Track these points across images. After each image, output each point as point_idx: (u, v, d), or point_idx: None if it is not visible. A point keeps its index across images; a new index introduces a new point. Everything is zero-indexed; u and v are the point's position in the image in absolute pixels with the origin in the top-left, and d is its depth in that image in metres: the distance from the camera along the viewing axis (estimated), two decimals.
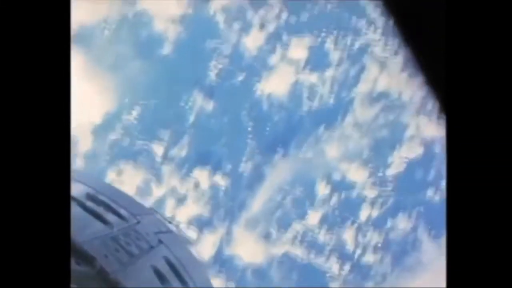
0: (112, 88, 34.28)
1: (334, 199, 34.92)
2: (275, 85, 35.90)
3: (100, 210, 7.59)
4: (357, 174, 35.10)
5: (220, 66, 35.59)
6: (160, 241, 8.48)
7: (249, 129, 35.62)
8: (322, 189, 35.31)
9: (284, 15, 35.78)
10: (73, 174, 4.38)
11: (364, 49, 35.31)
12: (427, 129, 34.39)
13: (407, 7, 3.18)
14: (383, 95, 35.29)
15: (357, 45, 35.29)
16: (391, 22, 3.26)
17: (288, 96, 35.79)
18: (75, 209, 6.83)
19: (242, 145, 35.51)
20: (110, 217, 7.65)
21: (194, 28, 35.81)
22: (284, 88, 35.80)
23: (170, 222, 10.00)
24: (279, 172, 35.72)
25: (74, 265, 5.58)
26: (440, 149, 33.95)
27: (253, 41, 35.84)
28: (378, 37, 34.85)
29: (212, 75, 35.50)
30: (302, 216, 35.05)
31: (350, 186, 35.25)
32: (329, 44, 35.35)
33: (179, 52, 35.39)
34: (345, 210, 35.20)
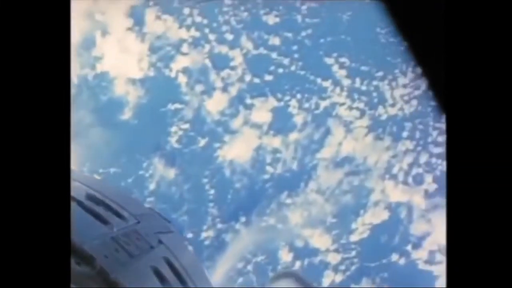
0: (71, 156, 33.72)
1: (297, 266, 34.70)
2: (237, 150, 36.00)
3: (100, 210, 7.58)
4: (320, 241, 34.95)
5: (181, 132, 35.61)
6: (160, 241, 8.47)
7: (211, 196, 35.39)
8: (285, 256, 35.17)
9: (248, 77, 36.14)
10: (73, 174, 4.14)
11: (329, 112, 35.65)
12: (392, 194, 34.73)
13: (407, 7, 3.17)
14: (347, 160, 35.51)
15: (321, 107, 35.63)
16: (391, 23, 3.21)
17: (250, 161, 35.94)
18: (75, 209, 6.85)
19: (204, 213, 35.24)
20: (110, 217, 7.64)
21: (155, 91, 35.97)
22: (246, 153, 35.95)
23: (169, 222, 9.88)
24: (242, 240, 35.58)
25: (74, 265, 5.54)
26: (405, 214, 34.36)
27: (215, 104, 36.02)
28: (343, 99, 35.48)
29: (173, 141, 35.67)
30: (265, 283, 34.56)
31: (313, 252, 35.04)
32: (293, 107, 35.68)
33: (139, 117, 35.57)
34: (308, 277, 34.87)
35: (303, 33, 36.55)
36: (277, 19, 37.08)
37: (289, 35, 36.71)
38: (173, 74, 36.43)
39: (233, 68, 36.52)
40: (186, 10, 37.02)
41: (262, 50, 36.87)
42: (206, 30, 36.87)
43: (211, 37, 36.81)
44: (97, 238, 6.53)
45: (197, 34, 36.85)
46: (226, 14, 37.07)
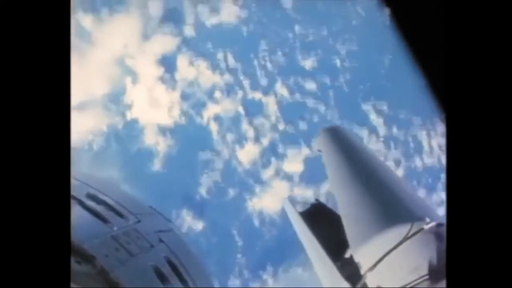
0: None
1: None
2: (267, 201, 35.56)
3: (100, 209, 7.38)
4: None
5: (211, 182, 35.43)
6: (161, 240, 8.23)
7: (239, 247, 35.05)
8: None
9: (281, 125, 35.98)
10: (73, 174, 4.26)
11: None
12: None
13: (407, 7, 3.28)
14: None
15: None
16: (391, 23, 3.33)
17: (280, 212, 35.40)
18: (75, 209, 6.65)
19: (231, 263, 34.79)
20: (110, 216, 7.42)
21: (186, 139, 35.82)
22: (277, 204, 35.46)
23: (170, 221, 9.79)
24: None
25: (74, 265, 5.36)
26: None
27: (246, 154, 35.83)
28: (379, 148, 35.12)
29: (203, 191, 35.24)
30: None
31: None
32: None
33: (169, 166, 35.11)
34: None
35: (341, 78, 36.33)
36: (315, 63, 36.94)
37: (327, 80, 36.49)
38: (204, 122, 36.23)
39: (266, 116, 36.34)
40: (220, 55, 37.16)
41: (297, 97, 36.71)
42: (240, 75, 36.89)
43: (245, 82, 36.70)
44: (97, 237, 6.46)
45: (231, 79, 36.74)
46: (262, 58, 37.04)
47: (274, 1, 37.74)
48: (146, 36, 37.00)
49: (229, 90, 36.52)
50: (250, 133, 35.92)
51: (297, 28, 37.48)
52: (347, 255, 9.34)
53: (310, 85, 36.45)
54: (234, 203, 35.39)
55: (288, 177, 35.49)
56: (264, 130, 35.98)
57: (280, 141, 35.86)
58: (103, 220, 7.05)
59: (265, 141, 35.89)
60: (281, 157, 35.65)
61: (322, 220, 10.94)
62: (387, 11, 3.27)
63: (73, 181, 6.55)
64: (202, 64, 36.47)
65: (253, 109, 36.39)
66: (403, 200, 9.57)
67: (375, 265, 8.49)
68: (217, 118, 36.10)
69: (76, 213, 6.42)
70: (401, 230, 8.42)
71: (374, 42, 36.22)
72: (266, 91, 36.55)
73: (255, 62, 36.81)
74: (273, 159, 35.58)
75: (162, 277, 7.16)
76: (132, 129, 35.55)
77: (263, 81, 36.58)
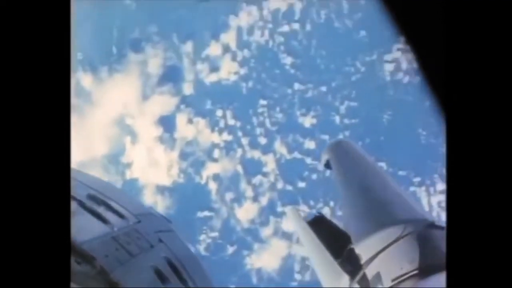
0: None
1: None
2: (266, 258, 35.50)
3: (100, 209, 7.39)
4: None
5: (209, 240, 35.32)
6: (161, 240, 8.27)
7: None
8: None
9: (280, 184, 35.97)
10: (73, 174, 4.29)
11: None
12: None
13: (407, 7, 3.18)
14: None
15: None
16: (391, 22, 3.22)
17: (278, 270, 35.22)
18: (75, 209, 6.65)
19: None
20: (110, 216, 7.44)
21: (185, 198, 35.84)
22: (275, 261, 35.34)
23: (170, 222, 9.69)
24: None
25: (74, 265, 5.39)
26: None
27: (245, 213, 35.77)
28: None
29: (201, 248, 35.17)
30: None
31: None
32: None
33: None
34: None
35: (341, 135, 36.44)
36: (314, 120, 37.08)
37: (326, 137, 36.49)
38: (203, 181, 36.29)
39: (265, 175, 36.31)
40: (219, 112, 37.35)
41: (296, 155, 36.72)
42: (239, 133, 36.99)
43: (244, 141, 36.82)
44: (97, 237, 6.47)
45: (230, 137, 36.90)
46: (261, 115, 37.19)
47: (273, 57, 38.09)
48: (145, 96, 37.33)
49: (228, 149, 36.55)
50: (249, 192, 35.86)
51: (296, 84, 37.76)
52: (346, 252, 10.22)
53: (309, 144, 36.50)
54: (233, 260, 35.20)
55: (287, 236, 35.35)
56: (263, 189, 35.91)
57: (279, 199, 35.75)
58: (103, 220, 7.05)
59: (263, 200, 35.82)
60: (279, 215, 35.49)
61: (323, 227, 12.05)
62: (384, 9, 3.26)
63: (73, 182, 6.53)
64: (201, 122, 36.70)
65: (252, 168, 36.33)
66: (399, 203, 10.65)
67: (372, 259, 9.35)
68: (216, 177, 36.11)
69: (76, 213, 6.40)
70: (396, 230, 9.41)
71: (374, 98, 36.48)
72: (265, 150, 36.54)
73: (254, 120, 36.97)
74: (271, 218, 35.40)
75: (162, 277, 7.13)
76: (132, 187, 35.55)
77: (262, 140, 36.61)
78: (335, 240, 11.05)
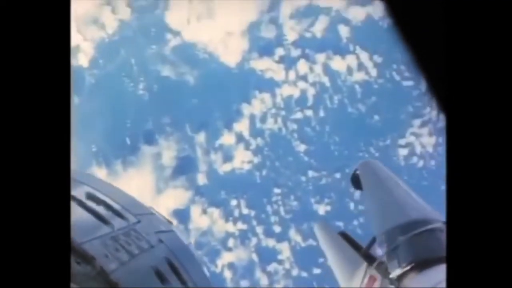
0: None
1: None
2: None
3: (100, 209, 7.41)
4: None
5: None
6: (161, 241, 8.29)
7: None
8: None
9: (295, 271, 36.09)
10: (73, 174, 4.30)
11: None
12: None
13: (407, 7, 3.17)
14: None
15: None
16: (391, 22, 3.20)
17: None
18: (75, 209, 6.64)
19: None
20: (110, 216, 7.46)
21: None
22: None
23: (170, 222, 9.72)
24: None
25: (74, 265, 5.38)
26: None
27: None
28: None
29: None
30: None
31: None
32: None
33: None
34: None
35: (355, 222, 36.32)
36: (328, 207, 36.84)
37: (340, 224, 36.09)
38: (218, 270, 36.28)
39: (280, 262, 36.24)
40: (234, 202, 37.08)
41: (311, 242, 36.40)
42: (254, 222, 36.83)
43: (259, 229, 36.67)
44: (97, 237, 6.47)
45: (244, 226, 36.95)
46: (275, 203, 36.88)
47: (287, 145, 37.93)
48: (159, 190, 37.22)
49: (242, 238, 36.59)
50: (264, 280, 35.75)
51: (310, 172, 37.61)
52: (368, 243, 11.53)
53: None
54: None
55: None
56: (278, 276, 35.82)
57: (294, 286, 35.52)
58: (103, 220, 7.03)
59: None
60: None
61: (347, 240, 13.03)
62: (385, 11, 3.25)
63: (73, 181, 6.54)
64: (215, 212, 36.51)
65: (267, 256, 36.49)
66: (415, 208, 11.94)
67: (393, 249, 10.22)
68: (231, 266, 36.20)
69: (76, 213, 6.39)
70: (418, 224, 10.55)
71: None
72: (280, 238, 36.27)
73: (268, 208, 36.79)
74: None
75: (162, 277, 7.08)
76: None
77: (277, 228, 36.39)
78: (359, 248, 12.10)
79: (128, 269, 6.44)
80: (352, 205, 36.54)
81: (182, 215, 36.91)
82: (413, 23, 3.13)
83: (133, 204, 8.66)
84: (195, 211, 36.95)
